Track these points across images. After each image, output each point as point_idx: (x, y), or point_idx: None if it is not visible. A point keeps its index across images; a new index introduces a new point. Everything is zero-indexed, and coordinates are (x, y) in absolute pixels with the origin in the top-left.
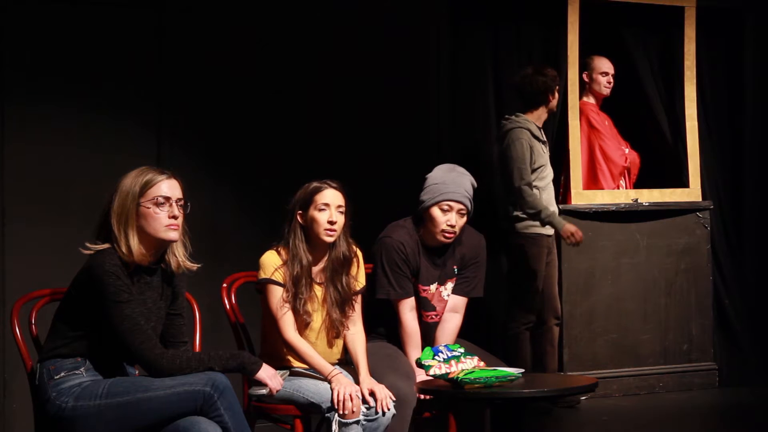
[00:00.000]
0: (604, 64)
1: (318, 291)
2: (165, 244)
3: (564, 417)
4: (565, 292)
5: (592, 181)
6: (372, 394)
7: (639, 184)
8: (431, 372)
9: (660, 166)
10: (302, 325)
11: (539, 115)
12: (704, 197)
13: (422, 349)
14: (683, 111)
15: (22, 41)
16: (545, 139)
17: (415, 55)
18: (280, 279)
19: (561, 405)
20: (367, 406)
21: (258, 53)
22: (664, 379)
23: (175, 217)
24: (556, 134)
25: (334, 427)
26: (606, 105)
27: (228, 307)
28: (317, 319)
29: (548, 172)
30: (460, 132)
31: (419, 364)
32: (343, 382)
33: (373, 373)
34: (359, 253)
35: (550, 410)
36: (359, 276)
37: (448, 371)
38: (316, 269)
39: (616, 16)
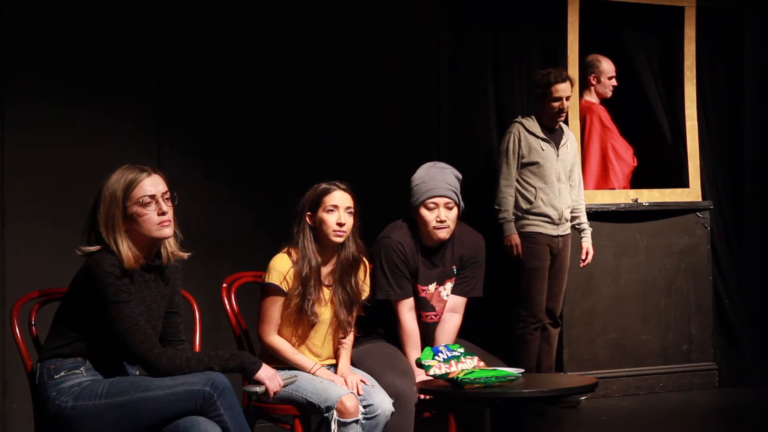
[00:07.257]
0: (611, 68)
1: (326, 293)
2: (160, 242)
3: (564, 417)
4: (566, 291)
5: (603, 181)
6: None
7: (639, 184)
8: (431, 372)
9: (660, 166)
10: (308, 326)
11: (547, 114)
12: (704, 197)
13: (422, 349)
14: (683, 111)
15: (22, 41)
16: (551, 138)
17: (415, 55)
18: (285, 288)
19: (561, 405)
20: (364, 404)
21: (257, 53)
22: (664, 379)
23: (164, 213)
24: None
25: (334, 426)
26: (605, 105)
27: (228, 307)
28: (324, 321)
29: (552, 172)
30: (460, 132)
31: (419, 364)
32: (344, 373)
33: (372, 372)
34: (366, 262)
35: (544, 411)
36: (364, 285)
37: (448, 371)
38: (325, 270)
39: (616, 15)
